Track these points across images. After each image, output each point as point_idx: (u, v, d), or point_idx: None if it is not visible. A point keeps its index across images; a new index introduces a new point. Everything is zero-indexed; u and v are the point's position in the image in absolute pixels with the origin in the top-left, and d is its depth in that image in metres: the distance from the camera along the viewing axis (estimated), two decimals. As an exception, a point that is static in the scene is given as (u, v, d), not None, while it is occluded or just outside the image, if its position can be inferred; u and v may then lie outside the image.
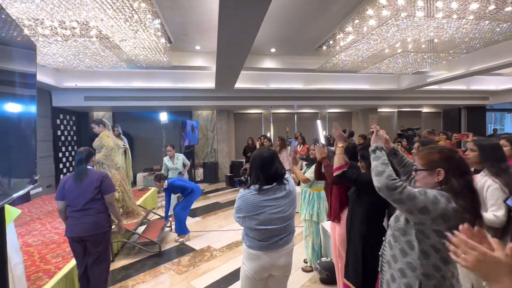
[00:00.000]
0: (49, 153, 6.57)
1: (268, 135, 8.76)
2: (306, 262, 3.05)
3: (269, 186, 1.49)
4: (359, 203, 1.73)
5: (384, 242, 1.28)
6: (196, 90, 7.02)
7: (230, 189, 7.47)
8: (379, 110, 9.90)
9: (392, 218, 1.24)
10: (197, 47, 5.29)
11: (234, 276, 2.89)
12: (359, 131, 8.95)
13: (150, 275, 2.99)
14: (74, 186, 2.23)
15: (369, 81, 7.60)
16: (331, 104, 8.57)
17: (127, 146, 5.41)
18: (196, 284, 2.80)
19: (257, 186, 1.48)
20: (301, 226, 3.10)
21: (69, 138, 7.40)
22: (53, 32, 3.23)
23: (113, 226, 2.55)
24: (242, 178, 1.79)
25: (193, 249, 3.64)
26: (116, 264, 3.24)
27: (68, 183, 2.27)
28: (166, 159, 4.67)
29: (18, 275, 1.91)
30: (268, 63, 5.83)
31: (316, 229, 2.93)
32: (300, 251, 3.24)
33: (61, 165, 6.87)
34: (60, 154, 6.96)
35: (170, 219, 4.54)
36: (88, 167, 2.35)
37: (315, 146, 2.49)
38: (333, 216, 2.30)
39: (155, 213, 4.81)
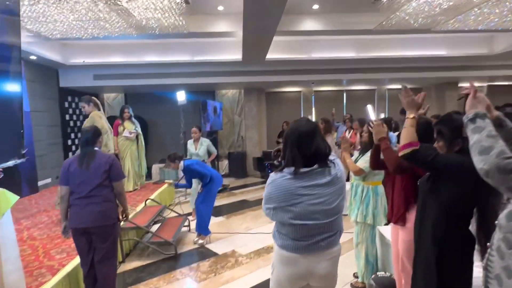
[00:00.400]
0: (57, 139, 7.14)
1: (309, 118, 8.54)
2: (357, 277, 2.92)
3: (308, 169, 1.40)
4: (434, 197, 1.53)
5: (489, 250, 1.11)
6: (219, 64, 7.03)
7: (261, 185, 7.46)
8: (461, 84, 9.03)
9: (503, 216, 1.07)
10: (220, 8, 5.23)
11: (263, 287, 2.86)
12: (431, 111, 8.27)
13: (164, 281, 3.08)
14: (80, 170, 2.30)
15: (447, 44, 6.92)
16: (392, 78, 8.01)
17: (140, 131, 5.63)
18: (218, 295, 2.82)
19: (292, 168, 1.39)
20: (351, 231, 2.94)
21: (78, 123, 7.96)
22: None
23: (121, 223, 2.64)
24: (275, 162, 1.73)
25: (214, 254, 3.68)
26: (127, 266, 3.41)
27: (73, 166, 2.33)
28: (189, 143, 4.93)
29: (9, 270, 2.07)
30: (310, 25, 5.57)
31: (371, 235, 2.77)
32: (349, 262, 3.11)
33: (70, 154, 7.43)
34: (69, 142, 7.54)
35: (190, 217, 4.66)
36: (95, 148, 2.42)
37: (370, 125, 2.30)
38: (395, 217, 2.12)
39: (172, 210, 4.97)
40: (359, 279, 2.86)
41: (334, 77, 7.74)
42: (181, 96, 6.55)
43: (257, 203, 5.87)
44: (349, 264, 3.09)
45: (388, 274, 2.63)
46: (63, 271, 2.56)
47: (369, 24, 5.38)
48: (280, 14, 4.25)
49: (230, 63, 6.98)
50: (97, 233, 2.31)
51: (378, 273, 2.69)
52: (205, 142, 4.89)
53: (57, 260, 2.77)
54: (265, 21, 4.46)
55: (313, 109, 9.39)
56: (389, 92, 9.42)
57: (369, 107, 5.35)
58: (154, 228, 4.05)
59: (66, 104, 7.50)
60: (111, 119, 5.45)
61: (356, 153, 2.92)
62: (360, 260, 2.81)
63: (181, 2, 4.21)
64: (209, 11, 5.35)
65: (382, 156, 2.13)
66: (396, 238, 2.16)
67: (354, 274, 3.00)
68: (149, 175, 7.98)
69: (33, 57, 5.92)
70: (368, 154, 2.51)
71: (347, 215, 3.04)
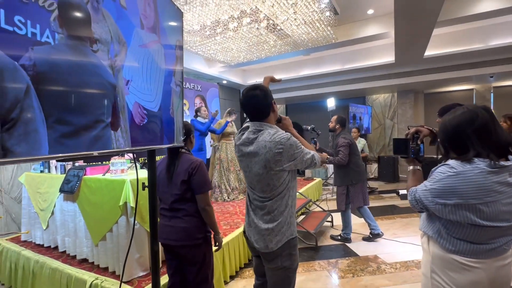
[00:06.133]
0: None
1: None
2: None
3: (509, 163, 1.10)
4: None
5: None
6: (370, 69, 6.29)
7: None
8: None
9: None
10: (370, 11, 4.62)
11: (409, 307, 2.20)
12: None
13: (303, 268, 2.92)
14: (164, 176, 1.78)
15: None
16: None
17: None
18: (353, 298, 2.39)
19: (486, 160, 1.09)
20: None
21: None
22: (224, 27, 3.92)
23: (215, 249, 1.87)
24: (415, 144, 1.38)
25: (355, 254, 3.20)
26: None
27: (159, 169, 1.81)
28: None
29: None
30: (487, 5, 4.06)
31: None
32: None
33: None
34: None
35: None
36: (182, 151, 1.80)
37: None
38: None
39: (317, 205, 4.78)
40: None
41: (526, 66, 5.38)
42: (330, 103, 6.26)
43: (408, 210, 4.78)
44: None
45: None
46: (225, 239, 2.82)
47: None
48: (441, 3, 3.28)
49: (381, 66, 6.11)
50: (183, 253, 1.74)
51: None
52: (362, 142, 5.47)
53: (222, 230, 3.09)
54: (423, 12, 3.56)
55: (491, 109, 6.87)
56: None
57: None
58: (299, 218, 3.98)
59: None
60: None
61: None
62: None
63: (331, 15, 3.98)
64: (358, 17, 4.84)
65: None
66: None
67: None
68: (302, 172, 8.11)
69: (224, 82, 7.22)
70: None
71: None
